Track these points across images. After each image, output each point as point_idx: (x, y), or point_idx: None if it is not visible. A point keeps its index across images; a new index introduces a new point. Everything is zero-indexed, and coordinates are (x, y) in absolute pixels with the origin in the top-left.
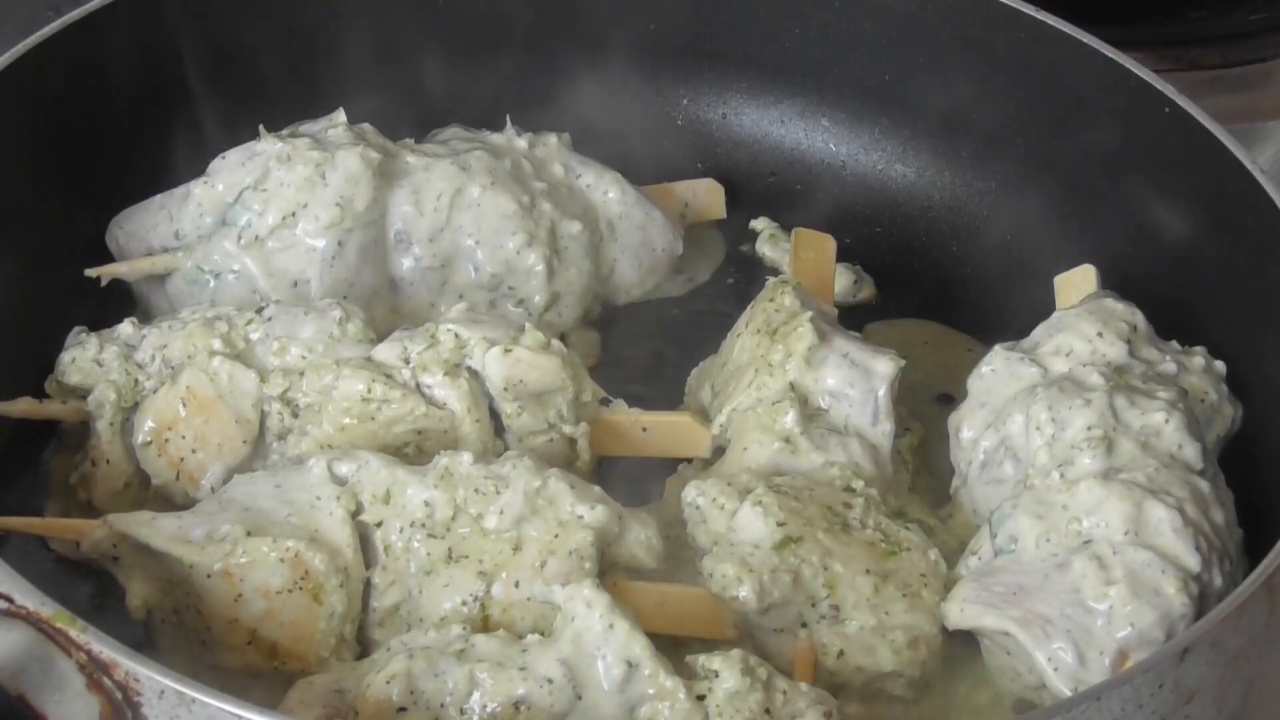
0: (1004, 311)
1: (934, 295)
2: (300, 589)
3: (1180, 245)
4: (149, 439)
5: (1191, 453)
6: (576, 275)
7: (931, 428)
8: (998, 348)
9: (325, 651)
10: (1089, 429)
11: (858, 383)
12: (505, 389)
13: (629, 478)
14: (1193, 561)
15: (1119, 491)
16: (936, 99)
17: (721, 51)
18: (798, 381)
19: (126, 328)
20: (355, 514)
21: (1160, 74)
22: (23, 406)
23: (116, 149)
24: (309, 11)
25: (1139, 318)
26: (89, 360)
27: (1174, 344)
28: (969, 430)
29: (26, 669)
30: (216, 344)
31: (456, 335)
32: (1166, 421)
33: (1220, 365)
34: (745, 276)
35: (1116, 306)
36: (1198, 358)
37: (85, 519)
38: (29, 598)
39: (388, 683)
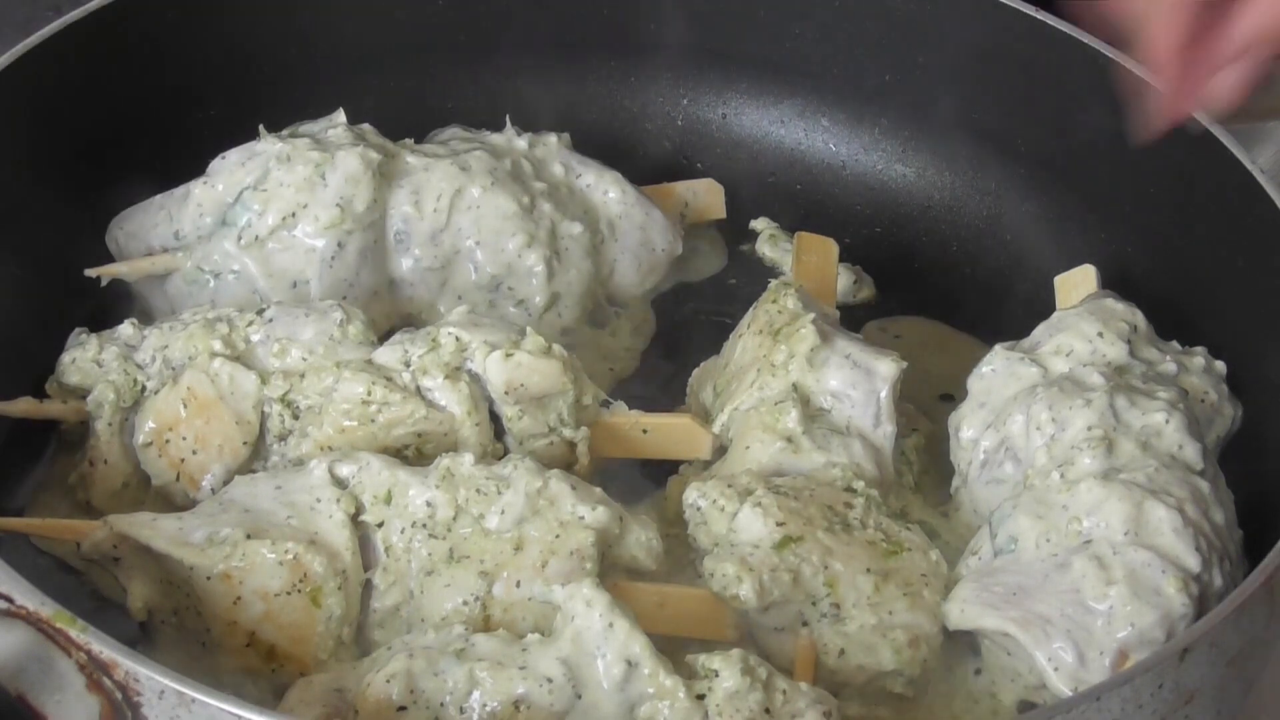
0: (1004, 311)
1: (934, 295)
2: (299, 592)
3: (1180, 245)
4: (149, 440)
5: (1192, 453)
6: (576, 276)
7: (933, 428)
8: (998, 348)
9: (323, 654)
10: (1089, 429)
11: (860, 384)
12: (506, 393)
13: (629, 478)
14: (1193, 562)
15: (1119, 492)
16: (936, 99)
17: (721, 51)
18: (800, 382)
19: (126, 328)
20: (356, 515)
21: None
22: (23, 406)
23: (116, 149)
24: (309, 11)
25: (1139, 318)
26: (89, 360)
27: (1174, 344)
28: (969, 430)
29: (26, 669)
30: (217, 345)
31: (457, 339)
32: (1167, 422)
33: (1220, 365)
34: (745, 277)
35: (1116, 306)
36: (1198, 358)
37: (85, 519)
38: (29, 598)
39: (388, 681)
